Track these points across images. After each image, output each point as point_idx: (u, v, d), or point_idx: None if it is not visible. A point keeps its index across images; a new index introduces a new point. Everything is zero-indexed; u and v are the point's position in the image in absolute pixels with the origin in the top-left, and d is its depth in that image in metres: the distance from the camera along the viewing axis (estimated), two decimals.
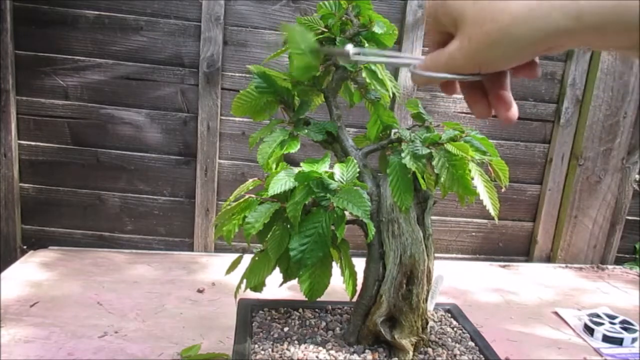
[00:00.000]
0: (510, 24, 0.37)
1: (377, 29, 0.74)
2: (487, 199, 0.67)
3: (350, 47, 0.47)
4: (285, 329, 0.75)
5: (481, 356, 0.74)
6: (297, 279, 0.71)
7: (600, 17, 0.34)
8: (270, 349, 0.70)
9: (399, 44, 1.52)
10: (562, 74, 1.63)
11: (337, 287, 0.75)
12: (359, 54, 0.49)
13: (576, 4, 0.34)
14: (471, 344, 0.77)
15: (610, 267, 1.71)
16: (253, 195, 0.71)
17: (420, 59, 0.45)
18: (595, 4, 0.33)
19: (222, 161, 1.59)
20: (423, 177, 0.71)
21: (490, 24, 0.38)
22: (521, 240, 1.76)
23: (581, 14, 0.34)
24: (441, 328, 0.81)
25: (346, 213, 0.66)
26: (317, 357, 0.69)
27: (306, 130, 0.74)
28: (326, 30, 0.76)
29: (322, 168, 0.70)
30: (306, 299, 0.71)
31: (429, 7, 0.44)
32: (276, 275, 0.73)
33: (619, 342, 1.13)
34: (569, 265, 1.69)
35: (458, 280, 1.44)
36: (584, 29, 0.34)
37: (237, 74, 1.54)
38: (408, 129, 0.74)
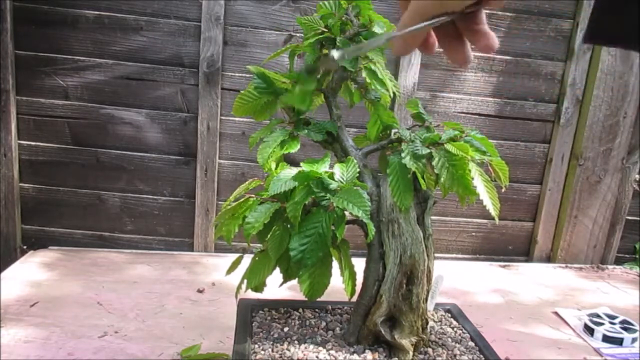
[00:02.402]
0: None
1: (377, 29, 0.74)
2: (488, 199, 0.67)
3: (333, 52, 0.48)
4: (285, 329, 0.75)
5: (481, 356, 0.74)
6: (297, 279, 0.71)
7: None
8: (270, 349, 0.70)
9: None
10: (562, 74, 1.63)
11: (337, 287, 0.75)
12: (343, 55, 0.49)
13: None
14: (471, 344, 0.77)
15: (610, 267, 1.71)
16: (253, 195, 0.71)
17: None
18: None
19: (222, 161, 1.59)
20: (423, 177, 0.71)
21: None
22: (521, 240, 1.76)
23: None
24: (441, 328, 0.81)
25: (346, 213, 0.66)
26: (317, 357, 0.69)
27: (306, 130, 0.74)
28: (326, 30, 0.76)
29: (322, 168, 0.70)
30: (306, 299, 0.71)
31: None
32: (276, 275, 0.73)
33: (619, 342, 1.13)
34: (569, 265, 1.69)
35: (458, 280, 1.44)
36: None
37: (237, 74, 1.54)
38: (408, 129, 0.74)
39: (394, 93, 0.78)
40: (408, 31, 0.43)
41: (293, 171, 0.68)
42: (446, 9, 0.41)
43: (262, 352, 0.69)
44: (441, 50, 0.47)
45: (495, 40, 0.44)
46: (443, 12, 0.41)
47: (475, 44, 0.45)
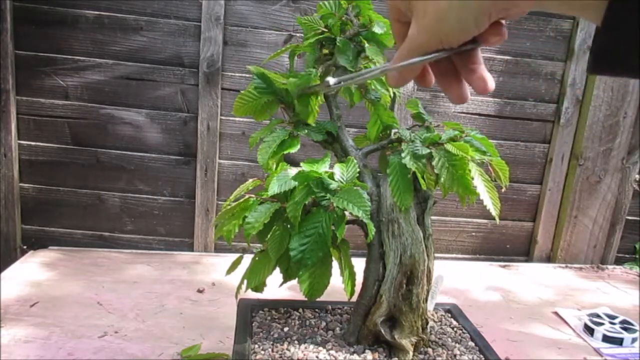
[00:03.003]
0: None
1: (377, 29, 0.74)
2: (488, 198, 0.67)
3: (330, 79, 0.52)
4: (285, 329, 0.75)
5: (481, 356, 0.74)
6: (297, 279, 0.71)
7: None
8: (270, 349, 0.70)
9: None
10: (562, 74, 1.63)
11: (337, 287, 0.75)
12: (339, 82, 0.52)
13: None
14: (471, 344, 0.77)
15: (610, 267, 1.71)
16: (253, 195, 0.71)
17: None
18: None
19: (222, 161, 1.59)
20: (423, 177, 0.70)
21: None
22: (521, 240, 1.76)
23: None
24: (441, 328, 0.81)
25: (346, 213, 0.66)
26: (317, 357, 0.69)
27: (306, 130, 0.74)
28: (326, 30, 0.76)
29: (322, 168, 0.70)
30: (306, 299, 0.71)
31: None
32: (276, 275, 0.73)
33: (619, 342, 1.13)
34: (569, 265, 1.69)
35: (458, 280, 1.44)
36: None
37: (237, 74, 1.54)
38: (408, 129, 0.74)
39: (394, 93, 0.78)
40: (403, 65, 0.43)
41: (293, 171, 0.68)
42: (443, 45, 0.41)
43: (262, 352, 0.69)
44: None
45: (491, 83, 0.44)
46: (438, 48, 0.41)
47: (471, 84, 0.45)
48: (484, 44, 0.42)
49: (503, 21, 0.41)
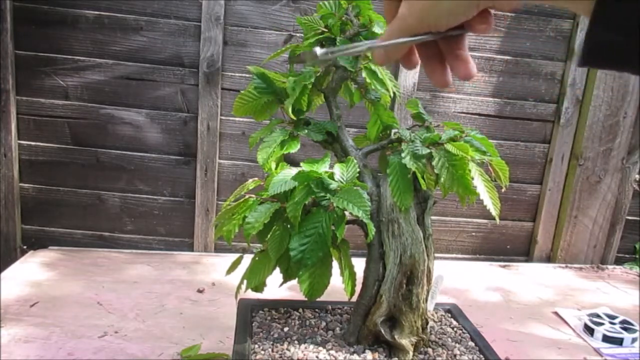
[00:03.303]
0: None
1: (377, 29, 0.74)
2: (488, 198, 0.67)
3: (317, 49, 0.50)
4: (285, 329, 0.75)
5: (481, 356, 0.74)
6: (297, 279, 0.71)
7: None
8: (270, 349, 0.70)
9: None
10: (562, 74, 1.63)
11: (337, 287, 0.75)
12: (326, 53, 0.51)
13: None
14: (471, 344, 0.77)
15: (610, 267, 1.71)
16: (253, 195, 0.71)
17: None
18: None
19: (222, 161, 1.59)
20: (423, 177, 0.70)
21: None
22: (521, 240, 1.76)
23: None
24: (441, 328, 0.81)
25: (346, 213, 0.66)
26: (317, 357, 0.69)
27: (306, 130, 0.74)
28: (326, 30, 0.76)
29: (322, 168, 0.70)
30: (306, 299, 0.71)
31: None
32: (276, 275, 0.73)
33: (619, 342, 1.13)
34: (569, 265, 1.69)
35: (458, 280, 1.44)
36: None
37: (237, 74, 1.54)
38: (408, 129, 0.74)
39: (394, 93, 0.78)
40: (389, 44, 0.44)
41: (293, 171, 0.68)
42: (430, 29, 0.41)
43: (262, 352, 0.69)
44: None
45: (473, 68, 0.44)
46: (427, 30, 0.42)
47: (454, 69, 0.45)
48: (471, 31, 0.43)
49: (491, 10, 0.42)
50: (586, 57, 0.33)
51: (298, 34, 1.52)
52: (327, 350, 0.70)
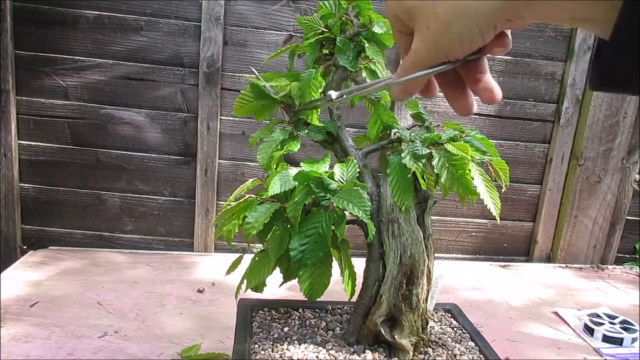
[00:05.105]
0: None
1: (377, 29, 0.74)
2: (489, 198, 0.67)
3: (332, 92, 0.53)
4: (285, 329, 0.75)
5: (481, 356, 0.74)
6: (297, 279, 0.71)
7: None
8: (270, 349, 0.70)
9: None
10: (562, 74, 1.63)
11: (337, 287, 0.75)
12: (341, 96, 0.53)
13: None
14: (471, 344, 0.77)
15: (610, 267, 1.71)
16: (253, 195, 0.71)
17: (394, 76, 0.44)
18: None
19: (222, 161, 1.59)
20: (423, 177, 0.71)
21: (442, 5, 0.36)
22: (521, 240, 1.76)
23: None
24: (441, 328, 0.81)
25: (346, 213, 0.65)
26: (317, 357, 0.69)
27: (306, 130, 0.74)
28: (326, 30, 0.76)
29: (322, 168, 0.70)
30: (306, 299, 0.71)
31: (389, 9, 0.43)
32: (276, 275, 0.73)
33: (619, 342, 1.13)
34: (569, 265, 1.69)
35: (458, 280, 1.44)
36: None
37: (237, 74, 1.54)
38: (408, 129, 0.74)
39: None
40: (407, 79, 0.42)
41: (293, 171, 0.68)
42: (446, 58, 0.40)
43: (262, 352, 0.69)
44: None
45: (498, 92, 0.42)
46: (442, 60, 0.40)
47: (477, 93, 0.43)
48: (488, 54, 0.41)
49: (508, 32, 0.40)
50: (597, 80, 0.32)
51: (298, 34, 1.52)
52: (327, 350, 0.70)
